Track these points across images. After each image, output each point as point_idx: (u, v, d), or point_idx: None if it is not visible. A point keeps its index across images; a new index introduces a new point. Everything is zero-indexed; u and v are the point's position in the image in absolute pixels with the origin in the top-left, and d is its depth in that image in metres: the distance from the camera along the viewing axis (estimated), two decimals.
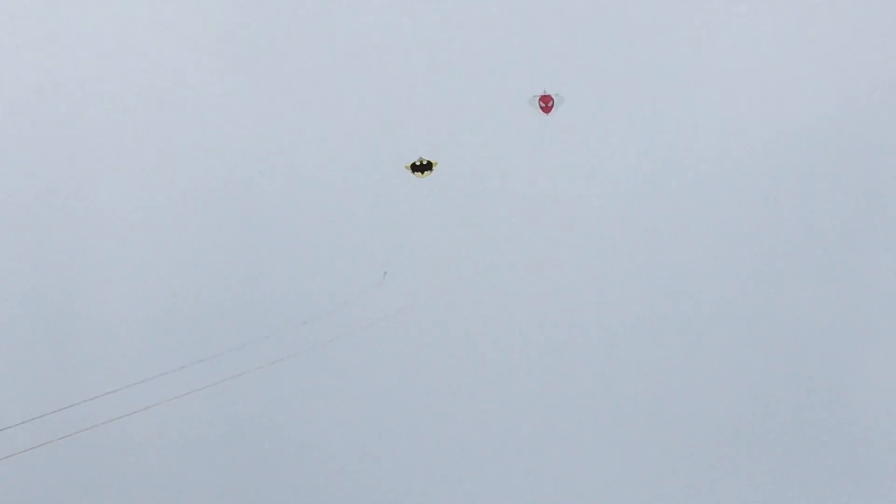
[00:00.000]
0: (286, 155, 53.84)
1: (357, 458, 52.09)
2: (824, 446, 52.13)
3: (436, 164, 51.98)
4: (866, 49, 53.65)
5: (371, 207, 53.30)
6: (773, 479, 52.19)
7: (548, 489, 52.33)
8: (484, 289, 53.27)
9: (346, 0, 54.38)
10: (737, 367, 52.71)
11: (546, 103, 51.55)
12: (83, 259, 53.20)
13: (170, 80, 53.92)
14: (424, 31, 54.07)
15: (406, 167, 51.69)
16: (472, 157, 53.86)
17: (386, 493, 51.70)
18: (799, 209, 53.48)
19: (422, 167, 51.80)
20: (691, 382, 52.61)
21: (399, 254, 52.83)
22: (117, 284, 53.07)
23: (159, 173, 53.81)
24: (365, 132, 53.17)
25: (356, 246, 52.98)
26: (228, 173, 53.81)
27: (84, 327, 52.70)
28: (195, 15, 54.21)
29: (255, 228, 53.62)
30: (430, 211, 53.40)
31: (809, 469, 52.05)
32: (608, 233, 53.66)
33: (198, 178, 53.81)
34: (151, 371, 49.94)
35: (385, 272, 52.31)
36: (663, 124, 53.70)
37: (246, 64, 54.02)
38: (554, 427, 52.54)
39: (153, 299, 53.00)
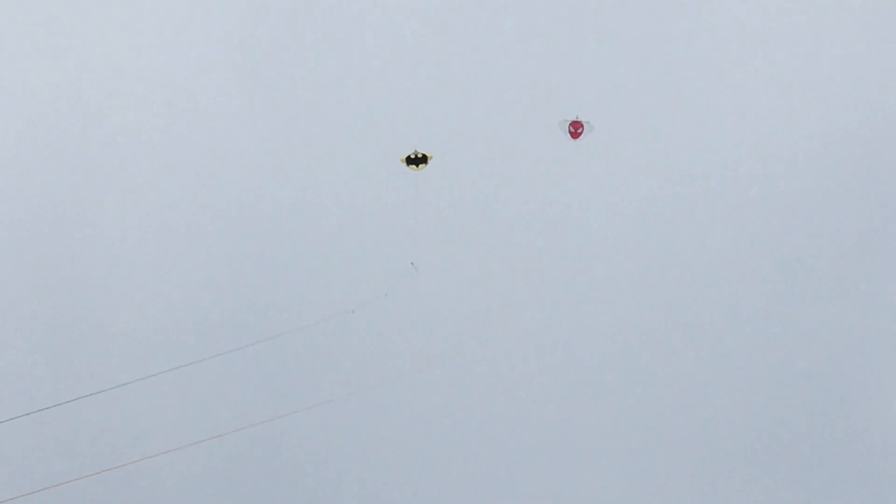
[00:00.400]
0: (313, 178, 54.17)
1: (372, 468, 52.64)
2: (836, 459, 52.35)
3: (430, 157, 52.11)
4: (883, 69, 54.17)
5: (395, 222, 53.71)
6: (783, 489, 52.57)
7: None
8: (500, 300, 53.69)
9: (377, 16, 54.97)
10: (755, 381, 53.06)
11: (576, 129, 52.08)
12: (106, 280, 53.39)
13: (181, 86, 54.14)
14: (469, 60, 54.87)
15: (401, 160, 51.76)
16: (498, 173, 54.41)
17: None
18: (820, 227, 53.83)
19: (416, 160, 51.92)
20: (716, 400, 53.00)
21: (420, 271, 53.34)
22: (133, 294, 53.24)
23: (170, 183, 54.05)
24: (400, 149, 53.51)
25: (375, 258, 53.36)
26: (236, 180, 54.11)
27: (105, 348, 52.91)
28: (202, 25, 54.49)
29: (266, 238, 53.91)
30: (454, 227, 53.85)
31: (821, 482, 52.32)
32: (624, 250, 54.11)
33: (202, 185, 54.12)
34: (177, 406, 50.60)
35: (412, 262, 52.48)
36: (682, 146, 54.27)
37: (264, 78, 54.31)
38: (578, 446, 52.94)
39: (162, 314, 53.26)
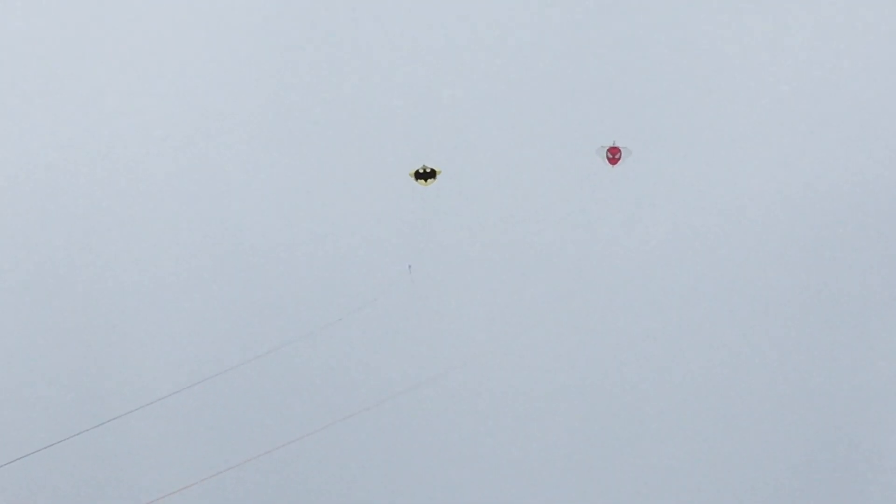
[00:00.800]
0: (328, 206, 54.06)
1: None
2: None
3: (440, 171, 51.78)
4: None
5: (401, 237, 53.42)
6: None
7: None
8: (514, 322, 53.39)
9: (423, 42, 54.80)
10: (788, 411, 52.89)
11: (614, 155, 52.12)
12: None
13: (186, 96, 54.07)
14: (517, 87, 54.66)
15: (409, 174, 51.49)
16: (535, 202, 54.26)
17: None
18: (858, 255, 53.63)
19: (425, 175, 51.65)
20: (743, 433, 52.79)
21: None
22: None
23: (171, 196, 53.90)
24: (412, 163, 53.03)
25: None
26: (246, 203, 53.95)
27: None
28: (210, 38, 54.34)
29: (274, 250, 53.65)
30: (461, 244, 53.56)
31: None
32: (656, 278, 53.87)
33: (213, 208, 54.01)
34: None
35: (409, 265, 52.32)
36: (720, 174, 54.12)
37: (272, 87, 54.16)
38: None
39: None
